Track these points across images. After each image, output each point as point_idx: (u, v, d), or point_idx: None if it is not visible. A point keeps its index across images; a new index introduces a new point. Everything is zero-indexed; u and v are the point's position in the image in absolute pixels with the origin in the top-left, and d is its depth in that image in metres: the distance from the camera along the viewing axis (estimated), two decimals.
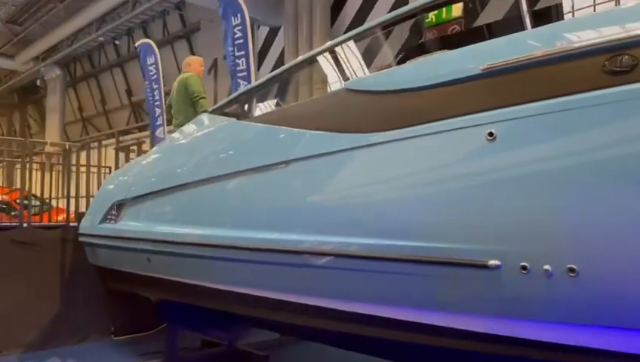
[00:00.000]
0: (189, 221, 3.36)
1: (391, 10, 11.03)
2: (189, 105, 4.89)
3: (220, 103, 3.72)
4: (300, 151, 2.55)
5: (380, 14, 11.03)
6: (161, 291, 4.02)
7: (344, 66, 3.17)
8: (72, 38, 18.68)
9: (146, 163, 4.01)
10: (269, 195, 2.75)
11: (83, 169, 5.65)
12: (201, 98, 4.88)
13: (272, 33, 13.33)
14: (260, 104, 3.44)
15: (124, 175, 4.33)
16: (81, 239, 4.82)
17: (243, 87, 6.96)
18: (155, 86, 8.47)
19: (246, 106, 3.50)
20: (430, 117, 2.02)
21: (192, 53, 17.21)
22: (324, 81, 3.42)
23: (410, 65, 2.26)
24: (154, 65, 8.49)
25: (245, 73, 6.92)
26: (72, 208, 5.97)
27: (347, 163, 2.34)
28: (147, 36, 18.59)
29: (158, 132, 8.20)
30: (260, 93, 3.54)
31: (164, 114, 8.41)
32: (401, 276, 2.19)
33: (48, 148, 7.95)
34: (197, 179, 3.28)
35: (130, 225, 3.97)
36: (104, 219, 4.35)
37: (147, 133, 17.93)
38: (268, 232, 2.77)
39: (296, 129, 2.60)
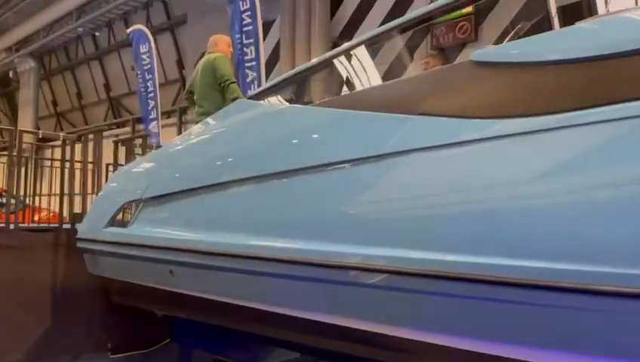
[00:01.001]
0: (229, 228, 2.78)
1: (394, 5, 10.51)
2: (217, 91, 4.28)
3: (261, 89, 3.15)
4: (400, 142, 2.00)
5: (382, 6, 10.53)
6: (183, 309, 3.42)
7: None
8: (49, 29, 17.77)
9: (167, 157, 3.40)
10: (349, 197, 2.19)
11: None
12: (232, 82, 4.28)
13: (265, 27, 12.70)
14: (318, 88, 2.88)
15: (137, 171, 3.72)
16: (79, 245, 4.18)
17: (251, 77, 6.38)
18: (148, 76, 7.81)
19: (299, 91, 2.93)
20: (622, 95, 1.49)
21: (177, 47, 16.49)
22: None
23: (584, 26, 1.72)
24: (147, 54, 7.83)
25: (254, 63, 6.34)
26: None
27: (476, 157, 1.79)
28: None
29: (152, 126, 7.54)
30: (314, 76, 2.99)
31: (159, 106, 7.77)
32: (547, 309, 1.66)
33: (27, 138, 7.18)
34: (242, 176, 2.70)
35: (147, 230, 3.37)
36: (111, 222, 3.73)
37: (127, 128, 17.11)
38: (334, 244, 2.22)
39: (394, 114, 2.05)
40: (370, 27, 10.69)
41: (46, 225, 5.00)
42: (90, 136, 4.82)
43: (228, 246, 2.73)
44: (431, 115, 1.90)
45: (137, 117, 14.70)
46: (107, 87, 19.12)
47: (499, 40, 7.13)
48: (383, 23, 10.53)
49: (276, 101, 2.96)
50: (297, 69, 3.06)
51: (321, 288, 2.33)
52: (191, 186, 3.07)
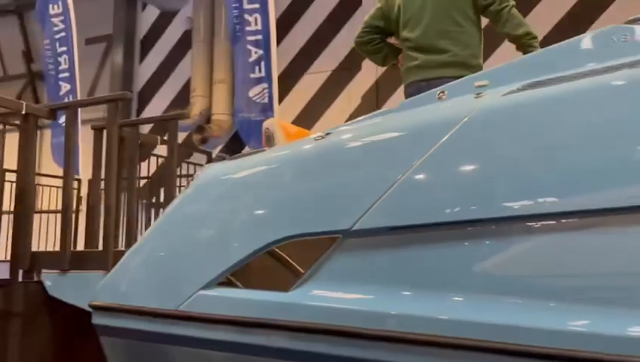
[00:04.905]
0: None
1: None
2: (472, 22, 2.38)
3: None
4: None
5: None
6: None
7: None
8: None
9: (433, 151, 1.55)
10: None
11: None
12: (513, 5, 2.42)
13: (164, 19, 10.54)
14: None
15: (309, 173, 1.79)
16: (98, 321, 2.06)
17: (256, 56, 4.52)
18: (61, 48, 5.46)
19: None
20: None
21: (25, 34, 13.31)
22: None
23: None
24: (61, 17, 5.47)
25: (261, 36, 4.49)
26: None
27: None
28: None
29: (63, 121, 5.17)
30: None
31: (78, 91, 5.47)
32: None
33: None
34: None
35: (383, 302, 1.55)
36: (222, 280, 1.79)
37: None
38: None
39: None
40: (314, 19, 9.06)
41: None
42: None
43: None
44: None
45: None
46: None
47: None
48: (328, 19, 8.98)
49: None
50: None
51: None
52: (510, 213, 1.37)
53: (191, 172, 6.30)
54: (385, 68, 9.03)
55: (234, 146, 9.14)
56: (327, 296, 1.64)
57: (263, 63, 4.45)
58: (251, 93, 4.42)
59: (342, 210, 1.63)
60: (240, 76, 4.54)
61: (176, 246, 1.95)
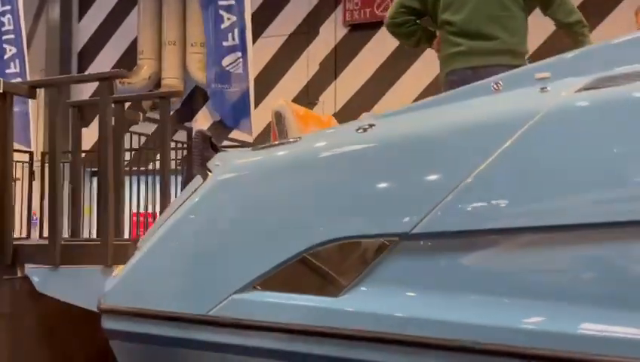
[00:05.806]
0: None
1: None
2: (520, 9, 2.19)
3: None
4: None
5: None
6: None
7: None
8: None
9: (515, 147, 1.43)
10: None
11: None
12: None
13: None
14: None
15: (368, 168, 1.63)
16: (109, 325, 1.88)
17: (229, 22, 4.26)
18: (3, 7, 4.96)
19: None
20: None
21: None
22: None
23: None
24: None
25: (234, 1, 4.23)
26: None
27: None
28: None
29: None
30: None
31: (25, 53, 5.05)
32: None
33: None
34: None
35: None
36: (261, 280, 1.67)
37: None
38: None
39: None
40: None
41: None
42: None
43: None
44: None
45: None
46: None
47: None
48: None
49: None
50: None
51: None
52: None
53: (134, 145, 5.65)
54: (344, 33, 8.82)
55: (184, 113, 8.77)
56: (382, 302, 1.54)
57: (236, 30, 4.20)
58: (224, 63, 4.18)
59: (400, 212, 1.52)
60: (212, 44, 4.27)
61: (203, 245, 1.79)
